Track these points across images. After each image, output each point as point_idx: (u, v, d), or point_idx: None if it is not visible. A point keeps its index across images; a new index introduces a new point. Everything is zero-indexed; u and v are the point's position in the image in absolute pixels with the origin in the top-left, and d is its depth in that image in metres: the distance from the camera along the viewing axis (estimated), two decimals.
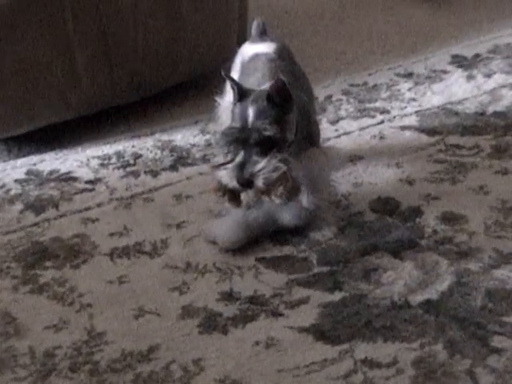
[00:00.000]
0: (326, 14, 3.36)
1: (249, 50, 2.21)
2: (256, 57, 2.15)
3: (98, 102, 2.52)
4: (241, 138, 1.86)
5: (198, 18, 2.60)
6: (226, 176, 1.86)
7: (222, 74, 1.95)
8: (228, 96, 2.21)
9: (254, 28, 2.28)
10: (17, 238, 2.07)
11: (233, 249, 1.94)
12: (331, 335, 1.70)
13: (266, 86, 1.91)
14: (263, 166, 1.84)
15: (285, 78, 1.87)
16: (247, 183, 1.85)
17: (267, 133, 1.85)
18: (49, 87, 2.40)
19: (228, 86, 2.21)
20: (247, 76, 2.12)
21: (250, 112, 1.86)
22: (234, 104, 1.92)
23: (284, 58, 2.13)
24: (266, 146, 1.85)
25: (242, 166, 1.84)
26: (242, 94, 1.90)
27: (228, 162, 1.87)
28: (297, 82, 2.04)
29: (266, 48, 2.16)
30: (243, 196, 1.92)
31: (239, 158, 1.85)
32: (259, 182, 1.84)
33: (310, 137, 2.01)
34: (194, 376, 1.63)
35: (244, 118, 1.86)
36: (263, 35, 2.26)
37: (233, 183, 1.85)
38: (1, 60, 2.31)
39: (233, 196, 1.89)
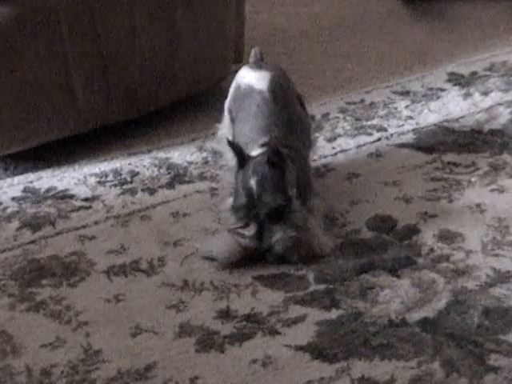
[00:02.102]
0: (323, 32, 3.37)
1: (245, 77, 2.23)
2: (250, 92, 2.16)
3: (95, 119, 2.53)
4: (250, 213, 1.91)
5: (195, 36, 2.61)
6: (245, 243, 1.92)
7: (227, 140, 2.00)
8: (226, 119, 2.23)
9: (252, 56, 2.31)
10: (13, 255, 2.07)
11: (230, 264, 1.94)
12: (328, 353, 1.70)
13: (261, 151, 1.97)
14: (279, 237, 1.90)
15: (277, 138, 1.98)
16: (265, 251, 1.93)
17: (275, 203, 1.90)
18: (46, 105, 2.41)
19: (226, 110, 2.23)
20: (240, 109, 2.16)
21: (253, 184, 1.91)
22: (237, 171, 1.97)
23: (278, 97, 2.13)
24: (276, 213, 1.91)
25: (258, 236, 1.91)
26: (243, 161, 1.95)
27: (243, 227, 1.92)
28: (291, 129, 2.06)
29: (261, 81, 2.16)
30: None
31: (253, 230, 1.90)
32: (278, 251, 1.92)
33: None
34: None
35: (248, 190, 1.92)
36: (260, 62, 2.29)
37: (251, 250, 1.93)
38: None
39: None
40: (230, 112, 2.21)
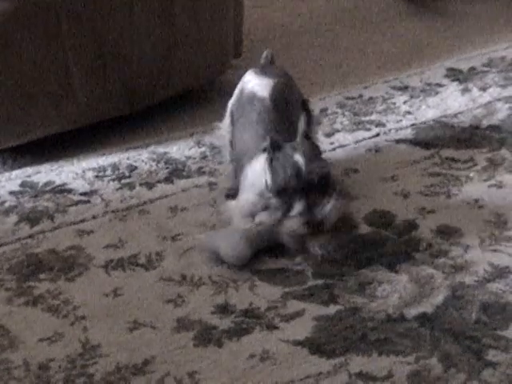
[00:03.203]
0: (322, 27, 3.36)
1: (249, 82, 2.21)
2: (252, 98, 2.15)
3: (94, 114, 2.52)
4: (298, 186, 1.91)
5: (194, 31, 2.61)
6: (295, 224, 1.91)
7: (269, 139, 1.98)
8: (226, 119, 2.22)
9: (263, 58, 2.30)
10: (11, 250, 2.07)
11: (239, 265, 1.94)
12: (326, 348, 1.70)
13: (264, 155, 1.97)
14: (331, 207, 1.92)
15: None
16: (319, 224, 1.92)
17: (325, 171, 1.93)
18: (44, 99, 2.40)
19: (228, 110, 2.22)
20: (241, 115, 2.16)
21: (299, 158, 1.92)
22: (270, 157, 1.96)
23: (279, 105, 2.13)
24: (322, 187, 1.92)
25: (309, 211, 1.90)
26: (275, 146, 1.96)
27: (286, 213, 1.92)
28: (291, 137, 2.04)
29: (263, 88, 2.16)
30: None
31: (301, 206, 1.90)
32: (332, 221, 1.93)
33: None
34: None
35: (294, 165, 1.91)
36: (270, 65, 2.28)
37: (303, 229, 1.91)
38: None
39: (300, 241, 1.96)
40: (232, 114, 2.20)
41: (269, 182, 1.96)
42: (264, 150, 2.00)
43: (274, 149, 1.96)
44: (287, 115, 2.12)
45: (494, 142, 2.42)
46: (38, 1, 2.29)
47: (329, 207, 1.92)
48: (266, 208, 1.95)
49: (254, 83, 2.19)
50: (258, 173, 2.00)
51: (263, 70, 2.24)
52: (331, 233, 1.96)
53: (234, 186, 2.13)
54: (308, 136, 1.99)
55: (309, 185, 1.91)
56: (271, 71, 2.24)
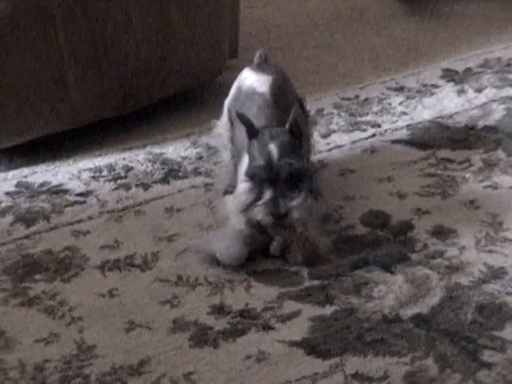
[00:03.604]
0: (318, 28, 3.37)
1: (247, 78, 2.22)
2: (252, 94, 2.15)
3: (89, 114, 2.52)
4: (268, 176, 1.91)
5: (190, 31, 2.61)
6: (259, 212, 1.91)
7: (235, 113, 2.00)
8: (224, 118, 2.22)
9: (257, 57, 2.30)
10: (7, 250, 2.06)
11: (234, 265, 1.94)
12: (322, 349, 1.70)
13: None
14: (298, 203, 1.91)
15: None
16: (282, 217, 1.91)
17: (296, 166, 1.91)
18: (40, 99, 2.40)
19: (225, 109, 2.22)
20: (241, 111, 2.12)
21: (274, 148, 1.92)
22: (250, 140, 1.97)
23: (279, 100, 2.13)
24: (293, 181, 1.91)
25: (275, 202, 1.90)
26: (254, 131, 1.96)
27: (256, 200, 1.92)
28: (290, 132, 2.02)
29: (262, 84, 2.15)
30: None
31: (269, 195, 1.91)
32: (295, 216, 1.91)
33: None
34: None
35: (267, 155, 1.92)
36: (265, 64, 2.28)
37: (268, 218, 1.92)
38: None
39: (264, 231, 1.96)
40: (230, 112, 2.20)
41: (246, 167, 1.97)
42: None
43: (252, 133, 1.96)
44: (286, 110, 2.11)
45: (490, 143, 2.43)
46: (34, 1, 2.29)
47: (295, 202, 1.91)
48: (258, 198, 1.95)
49: (253, 79, 2.19)
50: None
51: (260, 68, 2.24)
52: (314, 243, 1.96)
53: (234, 182, 2.13)
54: (293, 131, 1.97)
55: (279, 176, 1.91)
56: (268, 68, 2.25)
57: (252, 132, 1.96)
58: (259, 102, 2.12)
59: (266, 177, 1.92)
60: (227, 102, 2.25)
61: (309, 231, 1.95)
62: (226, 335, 1.75)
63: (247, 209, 1.94)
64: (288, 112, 2.06)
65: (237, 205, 1.98)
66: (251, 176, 1.94)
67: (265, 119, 2.06)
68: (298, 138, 1.96)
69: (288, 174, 1.91)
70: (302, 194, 1.92)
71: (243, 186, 1.98)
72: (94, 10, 2.40)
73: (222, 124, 2.24)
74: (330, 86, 2.87)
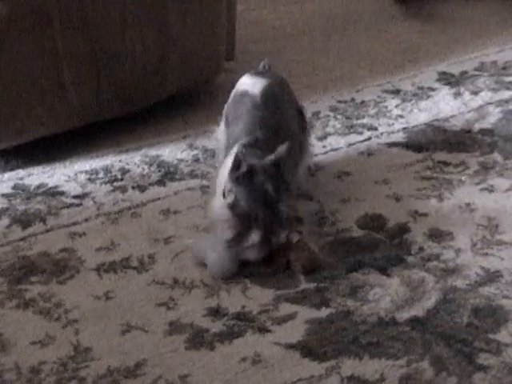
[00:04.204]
0: (314, 30, 3.37)
1: (243, 83, 2.21)
2: (244, 96, 2.15)
3: (86, 116, 2.52)
4: (258, 217, 1.87)
5: (186, 33, 2.61)
6: (250, 254, 1.91)
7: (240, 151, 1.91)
8: (221, 125, 2.22)
9: (260, 67, 2.28)
10: (3, 252, 2.06)
11: (225, 278, 1.93)
12: (318, 352, 1.70)
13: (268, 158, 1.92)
14: (284, 238, 1.90)
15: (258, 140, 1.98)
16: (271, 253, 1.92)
17: (284, 209, 1.88)
18: (36, 101, 2.40)
19: (223, 116, 2.21)
20: (233, 113, 2.15)
21: (270, 189, 1.87)
22: (237, 179, 1.90)
23: (268, 101, 2.11)
24: (279, 217, 1.89)
25: (265, 242, 1.88)
26: (244, 172, 1.89)
27: (243, 236, 1.89)
28: (277, 134, 2.02)
29: (255, 86, 2.14)
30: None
31: (258, 237, 1.87)
32: (283, 240, 1.91)
33: None
34: None
35: (259, 196, 1.87)
36: (266, 71, 2.26)
37: (258, 258, 1.91)
38: None
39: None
40: (227, 117, 2.19)
41: (229, 199, 1.91)
42: (244, 146, 1.97)
43: (245, 176, 1.88)
44: (276, 112, 2.10)
45: (486, 146, 2.43)
46: (31, 4, 2.29)
47: (283, 234, 1.89)
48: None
49: (247, 83, 2.19)
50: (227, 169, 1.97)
51: (259, 73, 2.23)
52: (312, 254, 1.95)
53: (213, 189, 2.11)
54: (278, 163, 1.91)
55: (270, 218, 1.87)
56: (267, 74, 2.24)
57: (240, 172, 1.89)
58: (248, 104, 2.11)
59: (255, 219, 1.87)
60: (225, 108, 2.24)
61: (304, 240, 1.95)
62: (222, 337, 1.75)
63: (233, 246, 1.90)
64: (279, 115, 2.06)
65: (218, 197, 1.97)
66: (238, 214, 1.89)
67: (252, 121, 2.06)
68: (281, 173, 1.91)
69: (278, 215, 1.87)
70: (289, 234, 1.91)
71: (224, 209, 1.93)
72: (91, 12, 2.40)
73: (220, 129, 2.24)
74: (326, 88, 2.87)
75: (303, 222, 2.06)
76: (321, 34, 3.33)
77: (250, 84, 2.18)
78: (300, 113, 2.23)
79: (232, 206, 1.89)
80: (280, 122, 2.09)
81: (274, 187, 1.88)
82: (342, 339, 1.73)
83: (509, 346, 1.68)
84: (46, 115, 2.43)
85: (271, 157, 1.90)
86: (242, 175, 1.88)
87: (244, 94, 2.16)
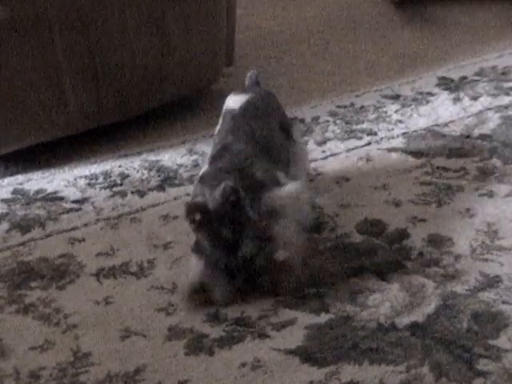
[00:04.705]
0: (314, 36, 3.37)
1: (227, 101, 2.18)
2: (226, 114, 2.12)
3: (85, 121, 2.53)
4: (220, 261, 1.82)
5: (186, 38, 2.61)
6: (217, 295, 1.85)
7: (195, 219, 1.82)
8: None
9: (247, 79, 2.27)
10: (2, 257, 2.06)
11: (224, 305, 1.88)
12: (317, 357, 1.70)
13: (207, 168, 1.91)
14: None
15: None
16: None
17: (247, 249, 1.81)
18: (36, 106, 2.40)
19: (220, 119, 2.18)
20: (218, 131, 2.11)
21: (227, 234, 1.80)
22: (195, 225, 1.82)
23: (247, 114, 2.07)
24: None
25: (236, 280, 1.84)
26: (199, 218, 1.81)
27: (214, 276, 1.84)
28: (254, 145, 1.98)
29: (236, 103, 2.12)
30: None
31: (227, 279, 1.83)
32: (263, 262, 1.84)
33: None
34: None
35: (216, 241, 1.81)
36: (254, 86, 2.24)
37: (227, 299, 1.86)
38: None
39: None
40: (214, 140, 2.13)
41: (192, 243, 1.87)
42: (210, 163, 1.94)
43: (201, 223, 1.80)
44: (254, 124, 2.05)
45: (485, 151, 2.43)
46: (30, 10, 2.30)
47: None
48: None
49: (231, 101, 2.16)
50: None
51: (244, 91, 2.21)
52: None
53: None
54: (233, 202, 1.81)
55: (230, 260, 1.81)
56: (251, 90, 2.20)
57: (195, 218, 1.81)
58: (228, 119, 2.09)
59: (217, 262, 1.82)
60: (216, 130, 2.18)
61: (290, 259, 1.85)
62: (222, 343, 1.75)
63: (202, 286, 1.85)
64: (260, 122, 2.04)
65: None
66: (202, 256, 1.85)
67: (227, 133, 2.03)
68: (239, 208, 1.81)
69: (238, 259, 1.81)
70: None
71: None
72: (90, 18, 2.40)
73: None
74: (325, 93, 2.87)
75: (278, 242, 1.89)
76: (320, 39, 3.34)
77: (233, 101, 2.15)
78: (286, 127, 2.17)
79: (196, 249, 1.86)
80: (259, 134, 2.03)
81: (231, 227, 1.79)
82: (342, 345, 1.73)
83: (508, 351, 1.68)
84: (45, 121, 2.44)
85: (217, 195, 1.81)
86: (199, 221, 1.81)
87: (227, 112, 2.13)
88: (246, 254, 1.81)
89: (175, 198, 2.29)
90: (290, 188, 1.92)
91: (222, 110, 2.19)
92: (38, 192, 2.35)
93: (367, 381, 1.63)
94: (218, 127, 2.16)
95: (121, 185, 2.37)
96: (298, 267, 1.87)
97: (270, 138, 2.06)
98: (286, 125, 2.18)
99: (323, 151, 2.49)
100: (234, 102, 2.15)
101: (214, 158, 1.97)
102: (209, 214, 1.80)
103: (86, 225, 2.19)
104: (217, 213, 1.80)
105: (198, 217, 1.80)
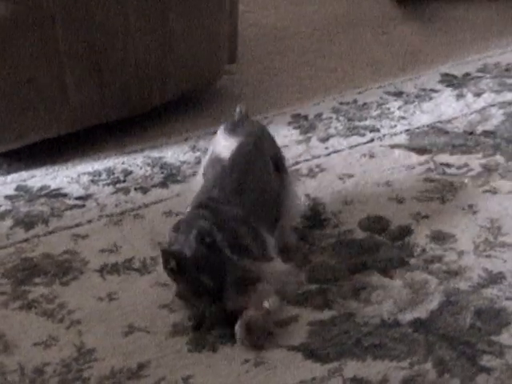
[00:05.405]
0: (316, 32, 3.37)
1: (218, 144, 2.09)
2: (216, 161, 2.03)
3: (88, 118, 2.53)
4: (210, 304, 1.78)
5: (189, 35, 2.61)
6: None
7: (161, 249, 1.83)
8: (199, 177, 2.12)
9: (237, 113, 2.16)
10: (6, 254, 2.07)
11: None
12: (320, 354, 1.70)
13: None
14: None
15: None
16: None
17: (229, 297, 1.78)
18: (39, 103, 2.40)
19: (201, 170, 2.12)
20: (207, 176, 2.04)
21: (207, 281, 1.77)
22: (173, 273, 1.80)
23: (236, 165, 1.98)
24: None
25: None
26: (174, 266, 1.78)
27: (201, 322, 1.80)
28: (241, 197, 1.92)
29: (226, 150, 2.02)
30: None
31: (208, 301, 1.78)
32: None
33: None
34: None
35: (196, 289, 1.78)
36: (243, 120, 2.14)
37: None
38: None
39: None
40: (204, 175, 2.08)
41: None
42: (196, 207, 1.91)
43: (179, 270, 1.77)
44: (244, 175, 1.97)
45: (489, 148, 2.43)
46: (33, 6, 2.30)
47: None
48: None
49: (221, 146, 2.07)
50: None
51: (233, 128, 2.10)
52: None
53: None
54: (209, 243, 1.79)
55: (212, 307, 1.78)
56: (241, 129, 2.09)
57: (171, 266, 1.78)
58: (218, 170, 2.00)
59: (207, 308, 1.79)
60: (203, 163, 2.13)
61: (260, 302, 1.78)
62: (225, 339, 1.75)
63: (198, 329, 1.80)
64: (249, 177, 1.97)
65: None
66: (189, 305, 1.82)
67: (214, 184, 1.95)
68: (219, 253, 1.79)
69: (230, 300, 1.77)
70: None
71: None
72: (93, 14, 2.40)
73: (196, 183, 2.12)
74: (328, 90, 2.87)
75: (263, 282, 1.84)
76: (323, 36, 3.33)
77: (222, 146, 2.05)
78: (278, 163, 2.10)
79: (180, 296, 1.83)
80: (249, 184, 1.97)
81: (210, 273, 1.76)
82: (345, 341, 1.73)
83: (511, 347, 1.68)
84: (48, 118, 2.44)
85: (191, 238, 1.78)
86: (175, 271, 1.78)
87: (216, 159, 2.04)
88: (232, 300, 1.77)
89: (178, 195, 2.29)
90: (278, 268, 1.88)
91: (212, 147, 2.10)
92: (41, 189, 2.35)
93: (370, 377, 1.63)
94: (204, 162, 2.10)
95: (124, 181, 2.37)
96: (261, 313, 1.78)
97: (258, 195, 1.98)
98: (277, 159, 2.11)
99: (326, 148, 2.49)
100: (223, 148, 2.04)
101: (196, 208, 1.91)
102: (185, 261, 1.77)
103: (89, 221, 2.19)
104: (194, 259, 1.77)
105: (173, 264, 1.77)
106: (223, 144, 2.06)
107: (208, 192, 1.95)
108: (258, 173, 2.02)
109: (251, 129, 2.12)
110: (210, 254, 1.78)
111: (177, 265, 1.77)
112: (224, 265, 1.78)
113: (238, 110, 2.18)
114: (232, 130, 2.09)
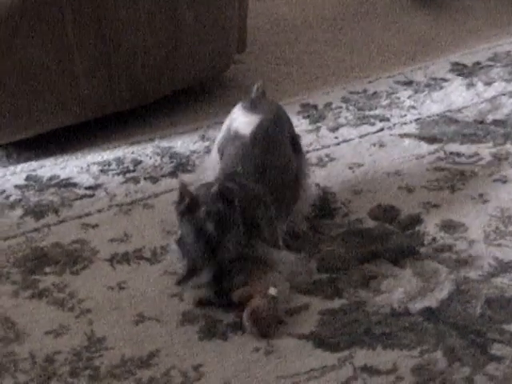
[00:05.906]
0: (326, 22, 3.36)
1: (236, 119, 2.08)
2: (236, 137, 2.02)
3: (98, 108, 2.53)
4: (205, 258, 1.78)
5: (198, 25, 2.61)
6: (208, 292, 1.81)
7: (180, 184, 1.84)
8: (213, 154, 2.14)
9: (254, 91, 2.18)
10: (17, 243, 2.07)
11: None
12: (331, 342, 1.70)
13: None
14: (240, 280, 1.80)
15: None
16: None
17: (238, 248, 1.79)
18: (49, 93, 2.41)
19: (215, 147, 2.13)
20: (225, 153, 2.04)
21: (211, 228, 1.76)
22: (182, 216, 1.80)
23: (258, 143, 1.99)
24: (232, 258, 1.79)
25: (217, 281, 1.79)
26: (186, 205, 1.80)
27: (191, 275, 1.79)
28: (264, 176, 1.93)
29: (247, 127, 2.02)
30: None
31: (209, 276, 1.78)
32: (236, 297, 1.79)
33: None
34: (193, 382, 1.63)
35: (205, 235, 1.77)
36: (261, 98, 2.16)
37: (211, 298, 1.82)
38: (1, 66, 2.31)
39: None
40: (220, 151, 2.09)
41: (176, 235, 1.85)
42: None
43: (189, 209, 1.79)
44: (265, 153, 1.98)
45: (499, 137, 2.42)
46: None
47: (236, 282, 1.79)
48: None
49: (240, 122, 2.07)
50: None
51: (252, 106, 2.11)
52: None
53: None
54: (226, 198, 1.79)
55: (217, 259, 1.77)
56: (260, 107, 2.10)
57: (191, 206, 1.79)
58: (238, 146, 2.00)
59: (203, 259, 1.78)
60: (217, 141, 2.14)
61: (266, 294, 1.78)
62: (235, 328, 1.76)
63: (186, 282, 1.81)
64: (271, 155, 1.98)
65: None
66: (185, 250, 1.81)
67: (237, 162, 1.96)
68: (230, 203, 1.79)
69: (227, 257, 1.78)
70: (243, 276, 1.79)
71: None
72: (103, 4, 2.40)
73: (211, 160, 2.15)
74: (338, 79, 2.87)
75: (272, 267, 1.86)
76: (332, 25, 3.33)
77: (242, 123, 2.06)
78: (295, 142, 2.11)
79: (179, 242, 1.82)
80: (270, 163, 1.98)
81: (218, 225, 1.76)
82: (355, 330, 1.73)
83: None
84: (58, 107, 2.44)
85: (214, 189, 1.79)
86: (185, 209, 1.79)
87: (236, 135, 2.04)
88: (226, 255, 1.77)
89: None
90: (287, 257, 1.89)
91: (229, 123, 2.10)
92: (51, 178, 2.36)
93: (380, 365, 1.64)
94: (223, 142, 2.08)
95: (133, 171, 2.38)
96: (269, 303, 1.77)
97: (279, 174, 1.98)
98: (294, 138, 2.12)
99: (336, 137, 2.48)
100: (243, 124, 2.05)
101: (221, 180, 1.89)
102: (198, 202, 1.78)
103: (99, 211, 2.19)
104: (207, 204, 1.78)
105: (187, 201, 1.79)
106: (243, 120, 2.06)
107: (231, 168, 1.95)
108: (280, 151, 2.03)
109: (270, 106, 2.14)
110: (225, 208, 1.78)
111: (188, 204, 1.78)
112: (230, 224, 1.78)
113: (255, 87, 2.19)
114: (251, 107, 2.10)
